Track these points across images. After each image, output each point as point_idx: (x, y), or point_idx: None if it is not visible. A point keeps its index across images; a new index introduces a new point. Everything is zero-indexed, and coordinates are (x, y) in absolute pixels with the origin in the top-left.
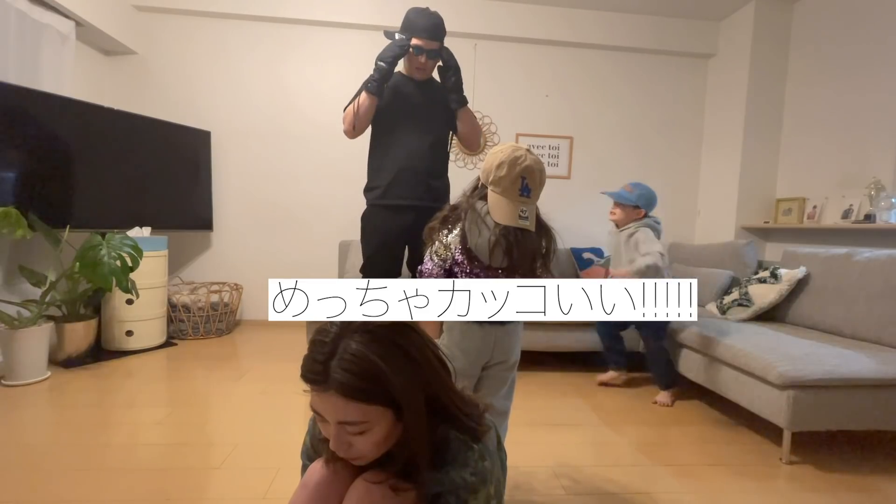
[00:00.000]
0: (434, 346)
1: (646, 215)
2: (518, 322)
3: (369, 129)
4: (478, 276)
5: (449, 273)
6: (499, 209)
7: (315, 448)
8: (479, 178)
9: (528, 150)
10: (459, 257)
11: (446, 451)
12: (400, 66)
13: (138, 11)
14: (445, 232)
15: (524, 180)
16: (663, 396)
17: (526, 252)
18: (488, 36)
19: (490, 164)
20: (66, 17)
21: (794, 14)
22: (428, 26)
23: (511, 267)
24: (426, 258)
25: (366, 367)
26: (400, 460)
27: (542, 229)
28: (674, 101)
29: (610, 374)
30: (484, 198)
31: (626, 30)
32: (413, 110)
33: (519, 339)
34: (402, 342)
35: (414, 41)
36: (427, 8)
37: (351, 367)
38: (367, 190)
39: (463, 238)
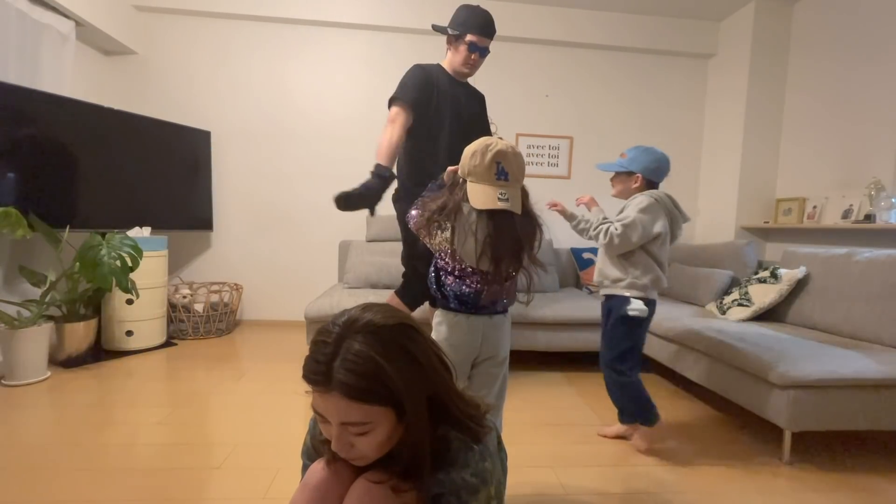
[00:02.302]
0: (436, 346)
1: (651, 185)
2: (505, 316)
3: None
4: (464, 271)
5: (436, 268)
6: (477, 196)
7: (316, 448)
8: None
9: (499, 139)
10: (448, 259)
11: (447, 451)
12: (438, 60)
13: (138, 11)
14: (442, 229)
15: (499, 164)
16: (616, 429)
17: (510, 248)
18: None
19: (464, 156)
20: (66, 17)
21: (794, 14)
22: (483, 23)
23: (497, 270)
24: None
25: (369, 368)
26: (401, 461)
27: (529, 216)
28: (674, 101)
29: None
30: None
31: (627, 30)
32: (458, 110)
33: (507, 334)
34: (404, 343)
35: (469, 37)
36: (478, 6)
37: (354, 367)
38: (412, 183)
39: (452, 238)
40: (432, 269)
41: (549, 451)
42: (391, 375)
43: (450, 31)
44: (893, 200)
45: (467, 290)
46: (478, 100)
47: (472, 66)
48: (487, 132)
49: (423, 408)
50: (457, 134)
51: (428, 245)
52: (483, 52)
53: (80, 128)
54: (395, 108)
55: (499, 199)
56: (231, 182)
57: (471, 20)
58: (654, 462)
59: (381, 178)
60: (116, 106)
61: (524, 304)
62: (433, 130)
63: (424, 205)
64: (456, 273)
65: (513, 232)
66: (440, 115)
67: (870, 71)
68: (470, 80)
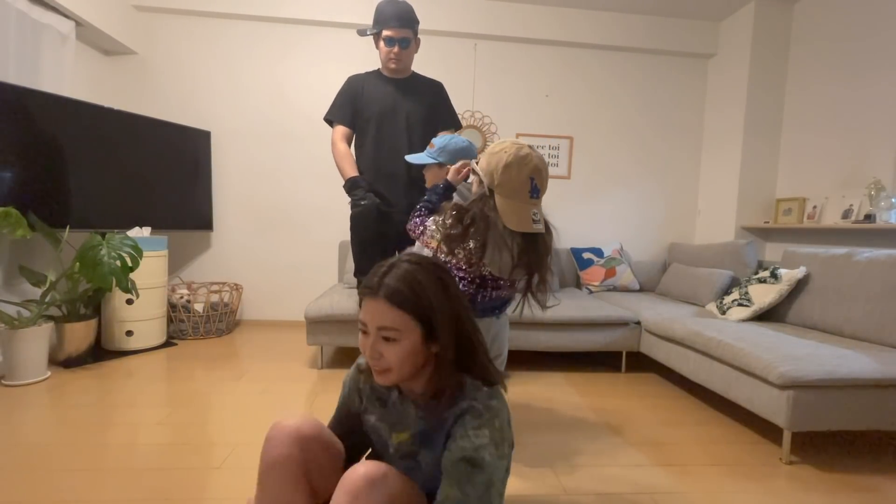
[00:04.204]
0: (465, 297)
1: None
2: (507, 315)
3: None
4: (483, 279)
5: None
6: (512, 216)
7: (354, 381)
8: (480, 180)
9: (530, 148)
10: (465, 265)
11: (461, 393)
12: (379, 64)
13: (138, 11)
14: (466, 243)
15: (533, 181)
16: None
17: (542, 262)
18: (488, 36)
19: (495, 165)
20: (66, 17)
21: (794, 14)
22: (395, 14)
23: (530, 280)
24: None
25: (411, 281)
26: (428, 392)
27: (547, 228)
28: (674, 100)
29: None
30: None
31: (627, 30)
32: (389, 108)
33: (508, 332)
34: (443, 277)
35: (385, 33)
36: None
37: (399, 278)
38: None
39: (480, 252)
40: None
41: (549, 451)
42: (428, 292)
43: (369, 32)
44: (893, 200)
45: (492, 298)
46: (425, 91)
47: (398, 60)
48: (448, 121)
49: (450, 331)
50: (387, 130)
51: (438, 255)
52: (403, 43)
53: (80, 128)
54: (332, 129)
55: (533, 220)
56: (231, 182)
57: (384, 15)
58: (654, 462)
59: (359, 187)
60: (116, 106)
61: (542, 308)
62: (362, 134)
63: (444, 214)
64: (476, 281)
65: (544, 245)
66: (366, 117)
67: (870, 71)
68: (469, 81)
